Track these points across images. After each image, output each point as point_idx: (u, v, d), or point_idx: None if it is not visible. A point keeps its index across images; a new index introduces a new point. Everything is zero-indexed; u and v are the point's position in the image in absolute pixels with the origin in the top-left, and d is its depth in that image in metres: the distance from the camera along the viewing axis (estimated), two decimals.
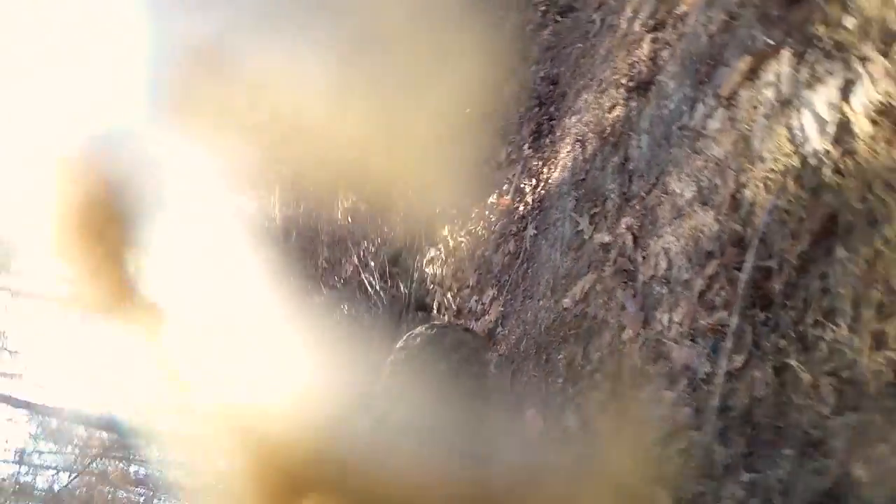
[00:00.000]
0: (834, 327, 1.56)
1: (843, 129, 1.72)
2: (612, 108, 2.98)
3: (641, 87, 2.76)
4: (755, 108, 1.99)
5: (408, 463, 1.74)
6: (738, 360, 1.76)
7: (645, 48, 2.81)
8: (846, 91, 1.73)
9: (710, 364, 1.85)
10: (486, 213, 3.73)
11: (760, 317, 1.73)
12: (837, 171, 1.70)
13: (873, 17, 1.71)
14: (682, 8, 2.65)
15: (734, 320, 1.77)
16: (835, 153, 1.72)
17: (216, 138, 2.41)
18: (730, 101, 2.10)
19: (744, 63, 2.02)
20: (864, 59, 1.68)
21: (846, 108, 1.72)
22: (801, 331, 1.63)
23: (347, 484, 1.85)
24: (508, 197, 3.55)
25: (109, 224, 2.07)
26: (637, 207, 2.53)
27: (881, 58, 1.63)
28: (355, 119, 2.56)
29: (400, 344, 2.13)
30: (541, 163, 3.45)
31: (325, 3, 2.80)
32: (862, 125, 1.66)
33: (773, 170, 1.88)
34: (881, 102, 1.62)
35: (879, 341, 1.44)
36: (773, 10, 2.03)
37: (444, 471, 1.74)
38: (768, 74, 1.95)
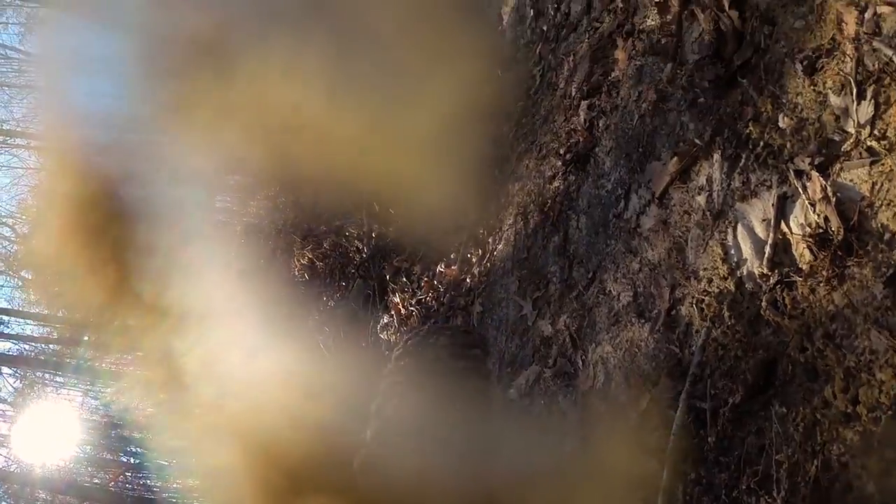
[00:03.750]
0: (768, 499, 1.32)
1: (781, 253, 1.50)
2: (553, 178, 2.75)
3: (579, 160, 2.52)
4: (688, 214, 1.76)
5: (409, 461, 1.77)
6: None
7: (581, 115, 2.58)
8: (782, 208, 1.50)
9: None
10: (435, 282, 3.49)
11: (692, 475, 1.50)
12: (775, 304, 1.47)
13: (810, 118, 1.49)
14: (616, 73, 2.42)
15: (665, 476, 1.53)
16: (772, 281, 1.49)
17: (215, 136, 2.40)
18: (662, 201, 1.87)
19: (674, 162, 1.79)
20: (800, 174, 1.45)
21: (783, 228, 1.49)
22: (734, 497, 1.40)
23: (349, 484, 1.92)
24: (455, 267, 3.32)
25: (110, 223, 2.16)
26: (576, 304, 2.30)
27: (818, 176, 1.40)
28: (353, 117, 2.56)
29: (398, 346, 2.22)
30: (485, 231, 3.22)
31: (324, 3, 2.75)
32: (801, 252, 1.43)
33: (707, 291, 1.65)
34: (820, 228, 1.39)
35: None
36: (702, 97, 1.80)
37: (444, 468, 1.74)
38: (700, 177, 1.72)
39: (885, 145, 1.29)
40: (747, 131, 1.61)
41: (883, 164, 1.28)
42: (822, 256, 1.36)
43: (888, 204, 1.26)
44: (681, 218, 1.78)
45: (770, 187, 1.53)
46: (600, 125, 2.46)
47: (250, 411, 2.27)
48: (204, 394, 2.46)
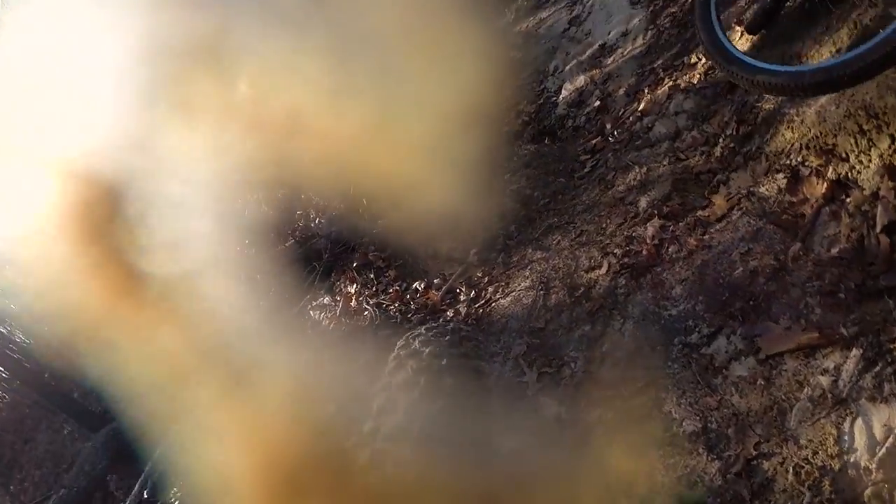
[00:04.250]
0: None
1: (891, 457, 1.74)
2: (592, 269, 2.86)
3: (637, 270, 2.67)
4: (801, 385, 1.97)
5: (410, 461, 1.78)
6: None
7: (650, 230, 2.75)
8: None
9: None
10: (407, 297, 3.39)
11: None
12: (877, 496, 1.70)
13: None
14: (706, 213, 2.63)
15: None
16: (876, 477, 1.73)
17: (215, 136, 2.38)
18: (769, 360, 2.06)
19: (806, 336, 2.00)
20: None
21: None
22: None
23: (349, 483, 1.92)
24: (438, 294, 3.26)
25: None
26: (608, 396, 2.40)
27: None
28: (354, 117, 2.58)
29: (401, 343, 2.18)
30: (486, 279, 3.22)
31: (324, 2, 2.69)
32: None
33: (808, 460, 1.84)
34: None
35: None
36: (842, 293, 2.04)
37: (447, 467, 1.77)
38: (828, 361, 1.94)
39: None
40: (891, 347, 1.86)
41: None
42: None
43: None
44: (790, 385, 1.98)
45: None
46: (671, 250, 2.64)
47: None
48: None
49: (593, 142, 3.36)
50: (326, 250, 3.69)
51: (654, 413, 2.24)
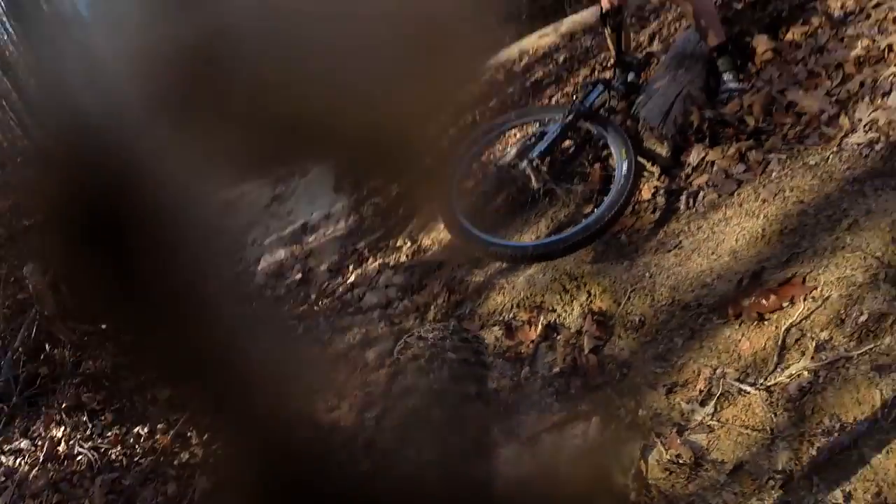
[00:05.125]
0: None
1: (639, 474, 2.13)
2: (332, 411, 2.93)
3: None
4: (558, 450, 2.31)
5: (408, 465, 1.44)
6: None
7: (382, 375, 3.02)
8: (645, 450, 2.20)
9: None
10: (131, 440, 2.87)
11: None
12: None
13: (662, 409, 2.33)
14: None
15: None
16: (631, 486, 2.08)
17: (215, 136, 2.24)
18: (531, 441, 2.38)
19: (555, 417, 2.41)
20: (659, 435, 2.22)
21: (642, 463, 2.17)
22: None
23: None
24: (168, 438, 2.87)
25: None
26: None
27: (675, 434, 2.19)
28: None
29: (400, 345, 1.84)
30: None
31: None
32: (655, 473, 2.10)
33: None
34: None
35: None
36: (573, 391, 2.55)
37: (445, 474, 1.43)
38: (577, 429, 2.35)
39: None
40: (617, 411, 2.38)
41: None
42: (674, 471, 2.05)
43: None
44: (551, 450, 2.31)
45: (635, 440, 2.25)
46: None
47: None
48: None
49: (300, 309, 3.65)
50: (17, 392, 3.04)
51: None
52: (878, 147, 2.74)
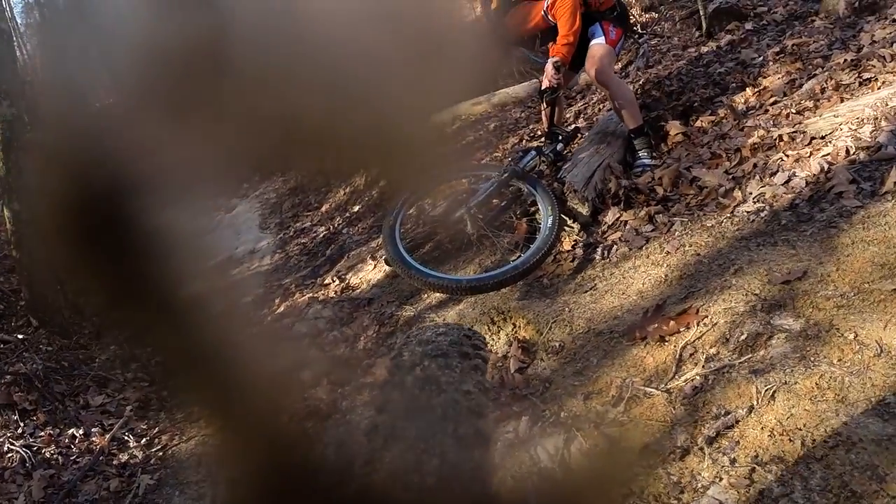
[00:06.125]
0: None
1: (563, 459, 2.45)
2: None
3: (319, 416, 3.07)
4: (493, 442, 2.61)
5: (405, 465, 1.63)
6: None
7: (321, 392, 3.25)
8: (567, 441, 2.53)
9: None
10: (66, 441, 2.90)
11: None
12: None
13: (580, 411, 2.69)
14: (376, 379, 3.30)
15: None
16: (558, 470, 2.40)
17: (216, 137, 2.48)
18: None
19: (494, 415, 2.72)
20: (579, 429, 2.58)
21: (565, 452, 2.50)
22: None
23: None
24: (106, 439, 2.93)
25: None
26: None
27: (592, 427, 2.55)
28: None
29: (400, 341, 2.00)
30: (156, 429, 3.07)
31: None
32: (576, 459, 2.43)
33: (514, 476, 2.41)
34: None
35: None
36: (498, 398, 2.88)
37: (441, 473, 1.63)
38: (510, 426, 2.67)
39: None
40: (543, 411, 2.72)
41: None
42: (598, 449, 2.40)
43: None
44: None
45: (559, 433, 2.58)
46: (343, 404, 3.17)
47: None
48: None
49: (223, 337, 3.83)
50: None
51: None
52: (763, 214, 3.34)
